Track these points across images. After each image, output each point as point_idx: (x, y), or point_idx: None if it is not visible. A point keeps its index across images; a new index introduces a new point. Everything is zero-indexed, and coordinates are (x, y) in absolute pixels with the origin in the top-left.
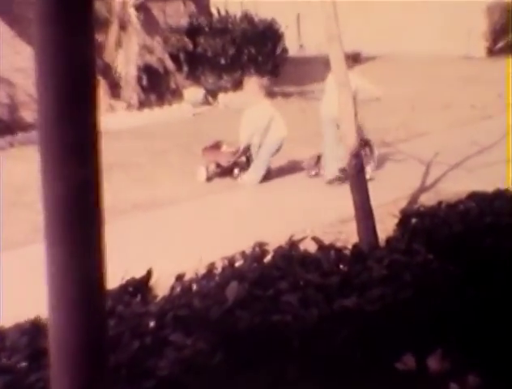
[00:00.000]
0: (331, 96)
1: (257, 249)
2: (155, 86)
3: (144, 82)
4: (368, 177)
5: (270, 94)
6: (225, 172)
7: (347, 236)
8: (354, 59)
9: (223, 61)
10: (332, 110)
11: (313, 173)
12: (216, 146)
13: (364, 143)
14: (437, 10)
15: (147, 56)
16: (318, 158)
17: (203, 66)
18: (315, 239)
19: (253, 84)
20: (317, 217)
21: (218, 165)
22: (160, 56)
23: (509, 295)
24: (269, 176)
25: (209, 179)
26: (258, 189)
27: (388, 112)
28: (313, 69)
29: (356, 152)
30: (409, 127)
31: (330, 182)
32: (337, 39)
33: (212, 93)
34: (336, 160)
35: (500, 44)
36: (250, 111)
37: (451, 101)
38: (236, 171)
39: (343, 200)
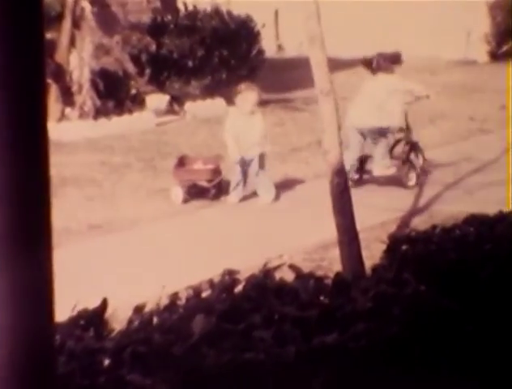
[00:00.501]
0: (363, 103)
1: (226, 277)
2: (113, 91)
3: (100, 87)
4: (412, 183)
5: None
6: (202, 192)
7: (330, 263)
8: (393, 60)
9: (190, 64)
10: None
11: (356, 177)
12: (189, 162)
13: (411, 147)
14: (431, 8)
15: (103, 57)
16: (361, 160)
17: (168, 69)
18: (293, 267)
19: (253, 94)
20: (296, 241)
21: (193, 186)
22: (118, 57)
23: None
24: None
25: (186, 201)
26: (229, 209)
27: None
28: (294, 73)
29: (340, 169)
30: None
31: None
32: (319, 41)
33: (178, 101)
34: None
35: (504, 48)
36: (240, 121)
37: (447, 112)
38: (213, 191)
39: (325, 222)
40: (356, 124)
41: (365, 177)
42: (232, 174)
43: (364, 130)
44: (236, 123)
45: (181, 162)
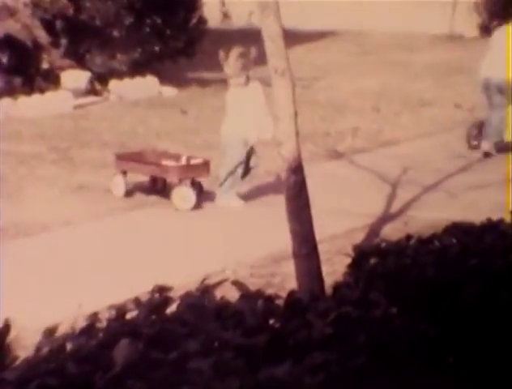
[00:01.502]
0: (499, 54)
1: (156, 295)
2: (21, 66)
3: (4, 59)
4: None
5: (182, 82)
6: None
7: (282, 280)
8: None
9: (116, 34)
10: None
11: (475, 143)
12: (171, 157)
13: None
14: None
15: (8, 22)
16: (481, 125)
17: (89, 40)
18: (237, 283)
19: (239, 60)
20: (242, 253)
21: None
22: (26, 23)
23: (503, 364)
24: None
25: (128, 194)
26: (163, 212)
27: (343, 111)
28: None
29: (297, 165)
30: (370, 133)
31: (487, 155)
32: (273, 9)
33: (101, 78)
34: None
35: (498, 21)
36: (235, 96)
37: (429, 98)
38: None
39: (277, 230)
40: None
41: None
42: (227, 168)
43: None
44: (232, 99)
45: (162, 157)
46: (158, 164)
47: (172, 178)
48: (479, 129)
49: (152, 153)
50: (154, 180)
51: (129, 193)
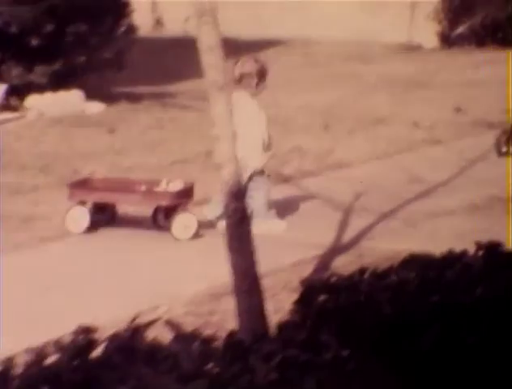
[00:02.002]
0: None
1: (80, 336)
2: None
3: None
4: None
5: (109, 97)
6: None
7: (221, 319)
8: None
9: (35, 43)
10: None
11: (504, 149)
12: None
13: None
14: None
15: None
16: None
17: (3, 49)
18: (171, 323)
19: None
20: (177, 288)
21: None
22: None
23: None
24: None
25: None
26: (85, 242)
27: (289, 130)
28: (177, 59)
29: (238, 190)
30: (320, 154)
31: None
32: (211, 16)
33: (19, 92)
34: None
35: (460, 29)
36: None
37: (384, 116)
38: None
39: (217, 263)
40: None
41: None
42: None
43: None
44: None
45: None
46: (150, 191)
47: (168, 205)
48: (509, 134)
49: (117, 179)
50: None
51: (92, 227)
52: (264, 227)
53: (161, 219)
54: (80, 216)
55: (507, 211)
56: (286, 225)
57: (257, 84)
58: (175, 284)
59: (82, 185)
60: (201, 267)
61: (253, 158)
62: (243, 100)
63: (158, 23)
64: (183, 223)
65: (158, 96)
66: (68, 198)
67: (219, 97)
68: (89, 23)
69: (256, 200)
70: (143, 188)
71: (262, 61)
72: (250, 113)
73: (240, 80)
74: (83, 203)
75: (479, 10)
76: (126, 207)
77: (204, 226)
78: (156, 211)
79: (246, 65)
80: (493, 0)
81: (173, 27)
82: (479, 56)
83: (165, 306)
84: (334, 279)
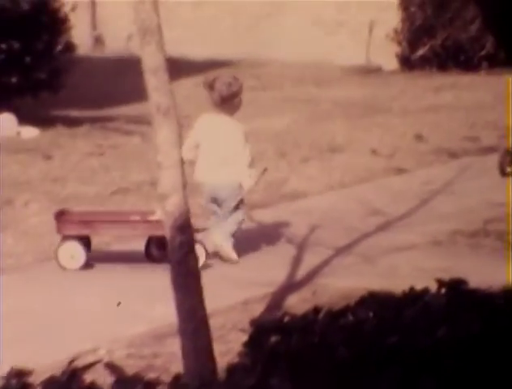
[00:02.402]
0: None
1: (13, 380)
2: None
3: None
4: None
5: (45, 121)
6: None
7: (166, 361)
8: None
9: None
10: None
11: (509, 170)
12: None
13: None
14: None
15: None
16: None
17: None
18: (111, 366)
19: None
20: (118, 328)
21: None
22: None
23: None
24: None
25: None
26: (18, 279)
27: None
28: (119, 80)
29: (183, 223)
30: (272, 184)
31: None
32: (156, 35)
33: None
34: None
35: (421, 51)
36: (213, 131)
37: (341, 143)
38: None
39: (161, 302)
40: None
41: None
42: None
43: None
44: (204, 132)
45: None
46: (149, 221)
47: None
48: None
49: (107, 211)
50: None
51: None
52: (219, 242)
53: (155, 250)
54: (76, 251)
55: (471, 247)
56: (237, 261)
57: (239, 104)
58: (117, 324)
59: (74, 217)
60: (146, 305)
61: (245, 179)
62: (229, 123)
63: (98, 41)
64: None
65: (98, 121)
66: (58, 230)
67: (163, 122)
68: (22, 41)
69: (229, 218)
70: (138, 218)
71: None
72: (239, 136)
73: (225, 102)
74: (76, 236)
75: (440, 31)
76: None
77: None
78: (149, 242)
79: (234, 85)
80: (455, 20)
81: (115, 46)
82: (440, 79)
83: (105, 348)
84: (286, 319)
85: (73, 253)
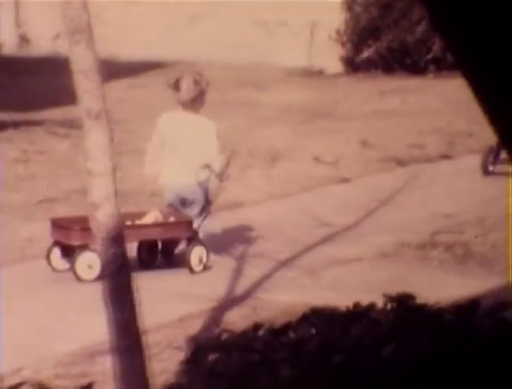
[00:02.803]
0: None
1: None
2: None
3: None
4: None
5: None
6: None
7: (97, 381)
8: None
9: None
10: None
11: (491, 168)
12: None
13: None
14: None
15: None
16: (497, 150)
17: None
18: (38, 386)
19: (192, 86)
20: (45, 346)
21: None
22: None
23: None
24: None
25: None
26: None
27: None
28: (46, 81)
29: (116, 234)
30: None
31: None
32: (85, 34)
33: None
34: None
35: (366, 53)
36: (176, 128)
37: (282, 150)
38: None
39: (91, 317)
40: None
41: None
42: None
43: None
44: (169, 131)
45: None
46: (167, 223)
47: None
48: (495, 153)
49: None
50: (150, 248)
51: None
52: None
53: (145, 256)
54: (92, 261)
55: (418, 259)
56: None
57: (205, 101)
58: (47, 342)
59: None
60: (79, 321)
61: (214, 164)
62: (198, 122)
63: (23, 40)
64: (199, 256)
65: (23, 124)
66: (73, 240)
67: (94, 127)
68: None
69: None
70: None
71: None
72: (209, 135)
73: (195, 100)
74: (89, 246)
75: (385, 33)
76: None
77: None
78: (140, 247)
79: (201, 82)
80: (401, 22)
81: (42, 45)
82: (386, 83)
83: (31, 367)
84: (225, 336)
85: (90, 263)
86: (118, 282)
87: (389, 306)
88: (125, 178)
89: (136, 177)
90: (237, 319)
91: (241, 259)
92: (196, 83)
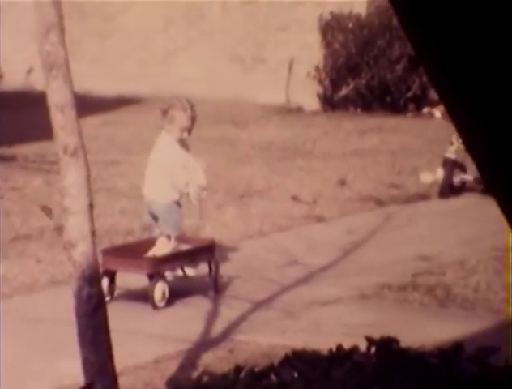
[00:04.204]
0: None
1: None
2: None
3: None
4: None
5: None
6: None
7: None
8: None
9: None
10: None
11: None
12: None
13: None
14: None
15: None
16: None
17: None
18: None
19: (181, 116)
20: (18, 388)
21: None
22: None
23: None
24: None
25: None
26: None
27: (142, 204)
28: (19, 116)
29: (92, 274)
30: (186, 231)
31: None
32: (62, 68)
33: None
34: None
35: (344, 91)
36: (165, 155)
37: (259, 188)
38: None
39: (64, 358)
40: None
41: None
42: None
43: None
44: (159, 156)
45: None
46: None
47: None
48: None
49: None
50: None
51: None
52: None
53: None
54: (165, 289)
55: (399, 302)
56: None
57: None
58: (20, 384)
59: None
60: (52, 362)
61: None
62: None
63: None
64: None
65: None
66: (150, 269)
67: (71, 164)
68: None
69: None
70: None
71: None
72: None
73: (190, 126)
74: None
75: (364, 71)
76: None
77: None
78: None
79: (193, 109)
80: (380, 60)
81: (15, 80)
82: (365, 121)
83: None
84: (205, 378)
85: (164, 290)
86: (94, 322)
87: (372, 350)
88: (99, 216)
89: (110, 216)
90: (214, 361)
91: (217, 300)
92: (192, 106)
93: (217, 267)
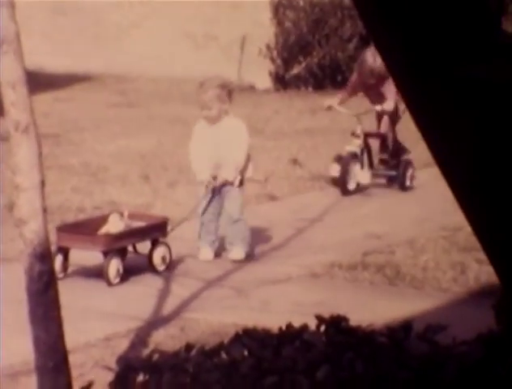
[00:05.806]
0: None
1: None
2: None
3: None
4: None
5: None
6: None
7: None
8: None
9: None
10: None
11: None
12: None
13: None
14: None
15: None
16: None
17: None
18: None
19: (211, 92)
20: None
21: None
22: None
23: None
24: None
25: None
26: None
27: (101, 181)
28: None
29: (43, 251)
30: (137, 209)
31: None
32: (13, 44)
33: None
34: None
35: (296, 70)
36: (208, 133)
37: None
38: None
39: (12, 337)
40: None
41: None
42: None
43: None
44: (204, 136)
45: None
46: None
47: None
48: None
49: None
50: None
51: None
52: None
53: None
54: (119, 266)
55: (349, 280)
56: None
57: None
58: None
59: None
60: (1, 340)
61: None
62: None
63: None
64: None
65: None
66: (105, 246)
67: (22, 141)
68: None
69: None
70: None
71: None
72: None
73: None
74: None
75: (316, 49)
76: None
77: None
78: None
79: (227, 85)
80: (332, 38)
81: None
82: (317, 100)
83: None
84: (156, 356)
85: (118, 267)
86: (43, 301)
87: (322, 328)
88: (50, 194)
89: (61, 193)
90: (165, 339)
91: (168, 278)
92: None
93: (168, 246)
